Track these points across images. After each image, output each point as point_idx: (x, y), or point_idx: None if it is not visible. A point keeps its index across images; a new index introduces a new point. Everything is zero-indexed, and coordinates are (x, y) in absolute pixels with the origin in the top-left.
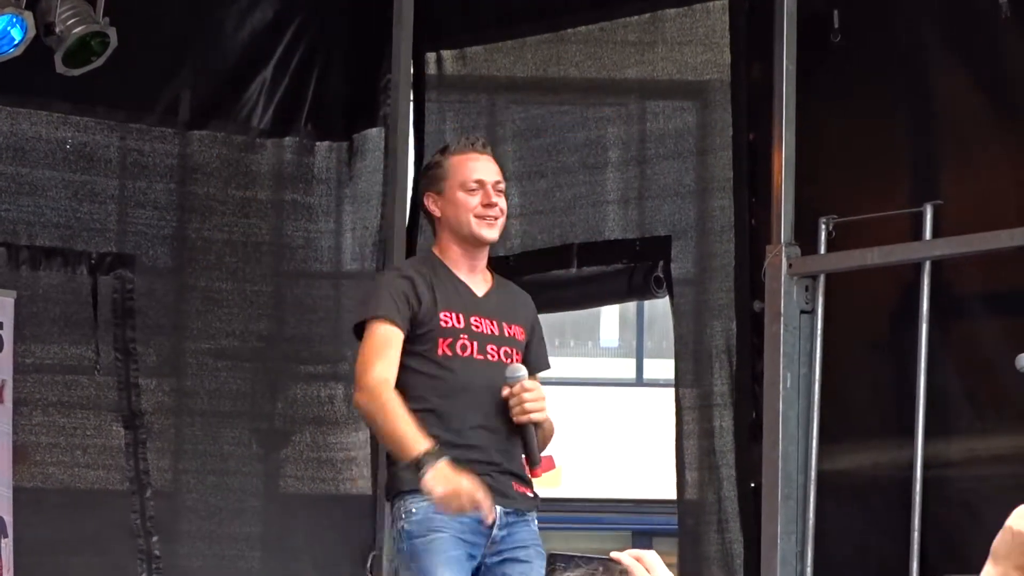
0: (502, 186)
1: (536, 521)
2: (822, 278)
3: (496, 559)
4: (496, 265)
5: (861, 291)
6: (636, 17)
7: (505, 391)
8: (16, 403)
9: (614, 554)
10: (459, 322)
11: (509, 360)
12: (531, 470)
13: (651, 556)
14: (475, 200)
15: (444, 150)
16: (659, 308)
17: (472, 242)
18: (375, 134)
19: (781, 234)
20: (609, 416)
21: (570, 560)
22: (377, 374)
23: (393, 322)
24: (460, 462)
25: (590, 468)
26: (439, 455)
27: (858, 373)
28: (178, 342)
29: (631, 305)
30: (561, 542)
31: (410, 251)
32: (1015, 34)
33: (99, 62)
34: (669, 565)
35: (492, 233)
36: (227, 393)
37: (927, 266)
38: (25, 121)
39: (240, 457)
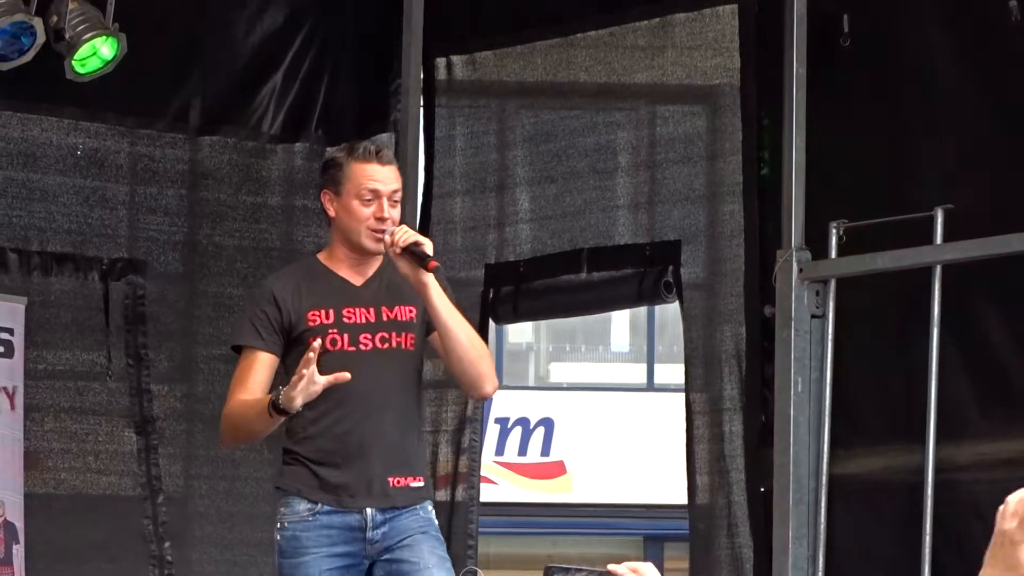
0: (398, 196)
1: (430, 509)
2: (832, 283)
3: (385, 556)
4: (507, 271)
5: (871, 295)
6: (646, 22)
7: (387, 240)
8: (28, 409)
9: (611, 567)
10: (328, 318)
11: (385, 345)
12: (427, 266)
13: (648, 568)
14: (368, 211)
15: (350, 151)
16: (670, 313)
17: (359, 251)
18: (385, 139)
19: (792, 238)
20: (620, 421)
21: (567, 572)
22: (231, 400)
23: (256, 347)
24: (332, 453)
25: (601, 473)
26: (276, 391)
27: (868, 377)
28: (189, 348)
29: (642, 310)
30: (572, 547)
31: None
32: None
33: (108, 68)
34: (681, 570)
35: (380, 247)
36: None
37: (938, 270)
38: (36, 127)
39: (251, 462)
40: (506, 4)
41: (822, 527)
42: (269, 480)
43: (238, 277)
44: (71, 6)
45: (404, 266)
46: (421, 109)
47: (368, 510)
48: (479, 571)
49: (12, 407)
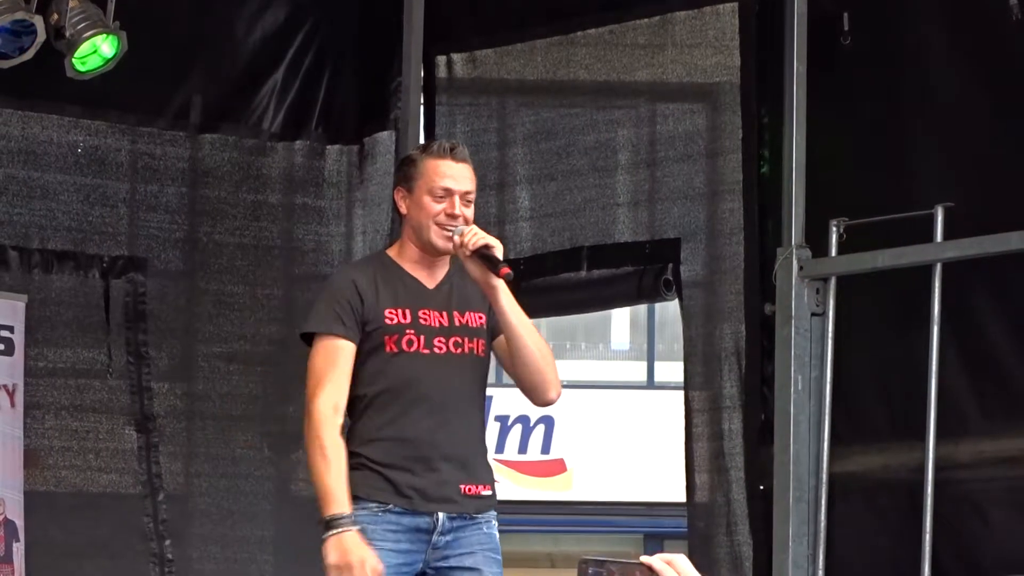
0: (472, 196)
1: (495, 523)
2: (833, 280)
3: (442, 564)
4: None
5: (871, 293)
6: (646, 20)
7: (456, 240)
8: (29, 407)
9: (644, 558)
10: (405, 318)
11: (459, 350)
12: (497, 272)
13: (681, 560)
14: (439, 207)
15: (425, 148)
16: (670, 311)
17: (428, 248)
18: (386, 137)
19: (792, 236)
20: (620, 419)
21: (602, 564)
22: (324, 404)
23: (339, 335)
24: (405, 458)
25: (601, 471)
26: (349, 524)
27: (868, 375)
28: (190, 346)
29: (642, 308)
30: (572, 545)
31: None
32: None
33: (109, 66)
34: None
35: (448, 245)
36: (239, 397)
37: (938, 268)
38: (37, 125)
39: (252, 460)
40: (506, 2)
41: (822, 525)
42: (269, 478)
43: (238, 275)
44: (71, 4)
45: (473, 268)
46: (421, 107)
47: (440, 514)
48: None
49: (12, 405)
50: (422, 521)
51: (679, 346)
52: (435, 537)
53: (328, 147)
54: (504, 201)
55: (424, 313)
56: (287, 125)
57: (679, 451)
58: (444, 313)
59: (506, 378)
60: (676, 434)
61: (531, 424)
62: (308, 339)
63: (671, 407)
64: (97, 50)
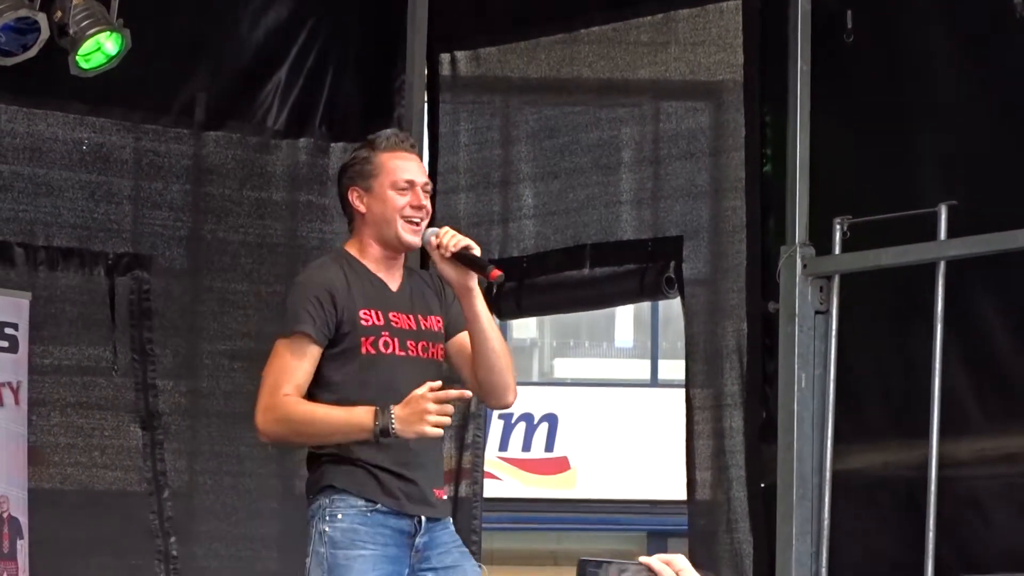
0: (429, 187)
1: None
2: (836, 279)
3: (425, 566)
4: (510, 266)
5: (873, 291)
6: (649, 18)
7: (432, 241)
8: (34, 404)
9: (643, 559)
10: (379, 319)
11: (427, 355)
12: (487, 274)
13: (679, 559)
14: (404, 200)
15: (372, 145)
16: (674, 309)
17: (395, 244)
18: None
19: (796, 234)
20: (624, 417)
21: (599, 565)
22: (284, 392)
23: (309, 338)
24: (390, 460)
25: (605, 469)
26: (385, 408)
27: (869, 373)
28: (194, 343)
29: (646, 306)
30: (576, 543)
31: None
32: None
33: (113, 64)
34: None
35: (416, 239)
36: (243, 394)
37: (942, 266)
38: (42, 122)
39: (256, 458)
40: (510, 0)
41: (825, 523)
42: (274, 476)
43: (242, 272)
44: (75, 1)
45: (449, 270)
46: (425, 105)
47: (422, 517)
48: (483, 567)
49: (16, 402)
50: (405, 524)
51: (683, 344)
52: (416, 540)
53: (332, 145)
54: (508, 199)
55: (394, 316)
56: (291, 123)
57: (683, 449)
58: (411, 316)
59: None
60: (680, 432)
61: (535, 422)
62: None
63: (675, 405)
64: (101, 47)
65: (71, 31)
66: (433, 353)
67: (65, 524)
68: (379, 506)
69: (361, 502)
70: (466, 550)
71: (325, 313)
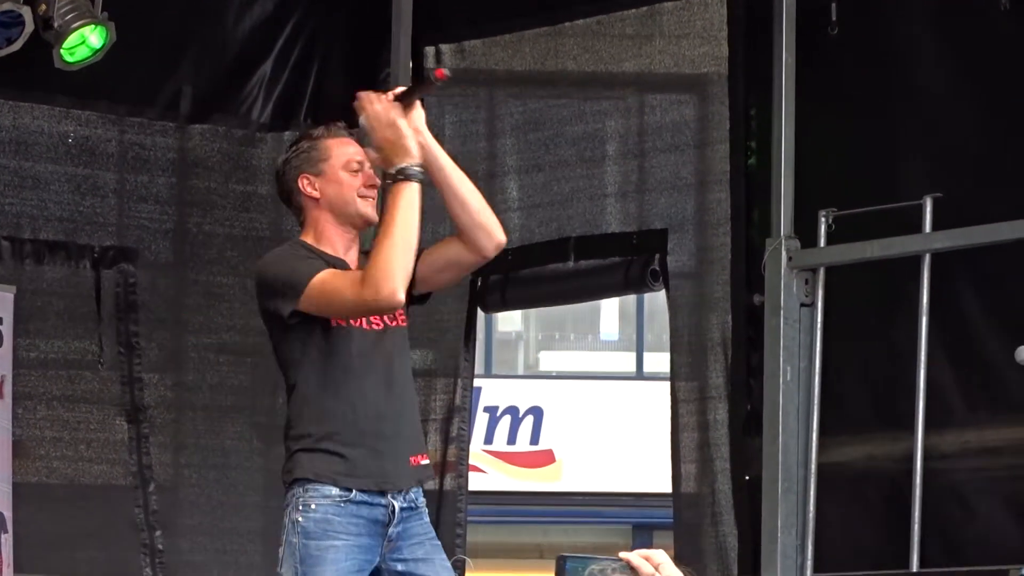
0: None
1: (423, 499)
2: (822, 271)
3: (397, 556)
4: (495, 259)
5: (858, 283)
6: (633, 10)
7: (376, 107)
8: (20, 397)
9: (622, 554)
10: None
11: (394, 323)
12: (433, 79)
13: (659, 555)
14: (358, 180)
15: (310, 136)
16: (659, 301)
17: (355, 220)
18: None
19: (781, 227)
20: (609, 410)
21: (579, 560)
22: (353, 276)
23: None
24: (362, 434)
25: (591, 462)
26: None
27: (854, 366)
28: (180, 337)
29: (631, 298)
30: (561, 536)
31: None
32: (1014, 24)
33: (98, 57)
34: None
35: (374, 213)
36: (228, 388)
37: (927, 259)
38: (27, 115)
39: (241, 452)
40: None
41: (811, 515)
42: (258, 470)
43: (228, 266)
44: None
45: (388, 128)
46: None
47: (395, 503)
48: (468, 560)
49: (1, 396)
50: (379, 513)
51: (668, 337)
52: (390, 530)
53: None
54: (492, 191)
55: None
56: (276, 116)
57: (668, 442)
58: None
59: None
60: (666, 425)
61: (520, 415)
62: (279, 316)
63: (661, 397)
64: (85, 41)
65: (55, 24)
66: (400, 319)
67: (51, 518)
68: (353, 495)
69: (336, 491)
70: (438, 543)
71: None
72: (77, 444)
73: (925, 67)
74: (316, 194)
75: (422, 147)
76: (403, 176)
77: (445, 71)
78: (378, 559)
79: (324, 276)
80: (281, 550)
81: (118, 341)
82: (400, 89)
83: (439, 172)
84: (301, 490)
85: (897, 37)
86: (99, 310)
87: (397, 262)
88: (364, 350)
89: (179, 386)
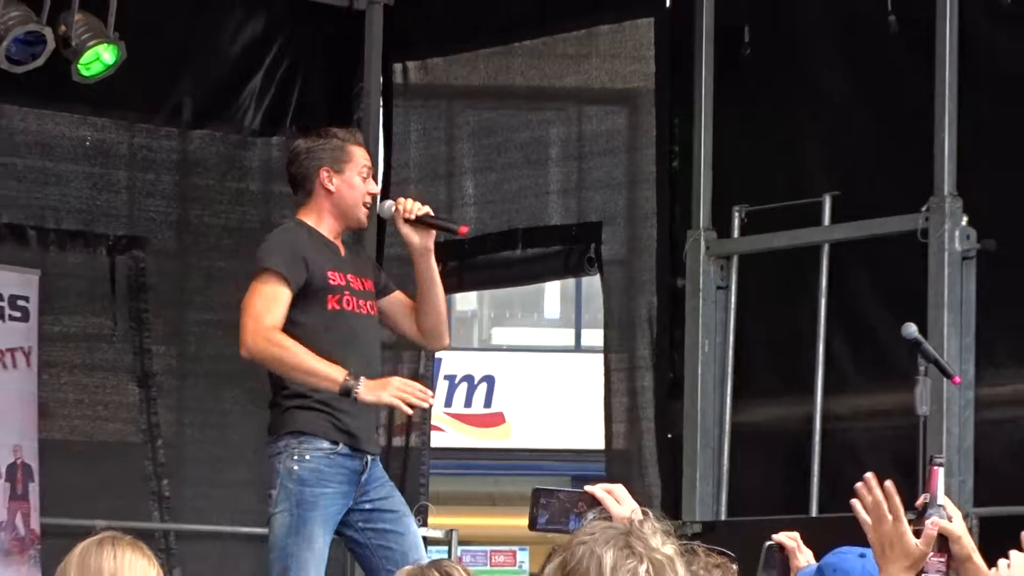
0: None
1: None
2: (736, 259)
3: (364, 499)
4: (452, 247)
5: (766, 269)
6: (574, 33)
7: (395, 208)
8: (47, 365)
9: (587, 487)
10: (342, 280)
11: (373, 311)
12: (456, 231)
13: (620, 489)
14: (366, 188)
15: (338, 135)
16: (595, 285)
17: (352, 222)
18: None
19: (700, 220)
20: (552, 378)
21: (552, 493)
22: (271, 322)
23: (285, 280)
24: (348, 403)
25: (536, 422)
26: (356, 378)
27: (764, 340)
28: (184, 313)
29: (571, 281)
30: (510, 487)
31: (379, 228)
32: (902, 44)
33: (110, 72)
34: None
35: (366, 221)
36: (225, 358)
37: (826, 248)
38: (50, 121)
39: (237, 413)
40: (454, 17)
41: (725, 468)
42: (253, 428)
43: (225, 252)
44: (76, 17)
45: (411, 233)
46: (380, 108)
47: (368, 456)
48: (430, 505)
49: (28, 364)
50: (357, 464)
51: (602, 315)
52: (362, 478)
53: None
54: (452, 189)
55: (352, 277)
56: (265, 123)
57: (602, 405)
58: (356, 278)
59: (454, 342)
60: (600, 391)
61: (475, 382)
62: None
63: (596, 368)
64: (99, 58)
65: (73, 43)
66: (374, 309)
67: (73, 470)
68: (340, 447)
69: (326, 444)
70: (392, 484)
71: (297, 266)
72: (95, 406)
73: (827, 81)
74: (332, 188)
75: (424, 255)
76: (344, 391)
77: (467, 229)
78: (351, 502)
79: (267, 289)
80: (275, 493)
81: (130, 317)
82: (426, 211)
83: (427, 282)
84: (296, 441)
85: (802, 54)
86: (113, 291)
87: (273, 350)
88: (352, 330)
89: (183, 356)
